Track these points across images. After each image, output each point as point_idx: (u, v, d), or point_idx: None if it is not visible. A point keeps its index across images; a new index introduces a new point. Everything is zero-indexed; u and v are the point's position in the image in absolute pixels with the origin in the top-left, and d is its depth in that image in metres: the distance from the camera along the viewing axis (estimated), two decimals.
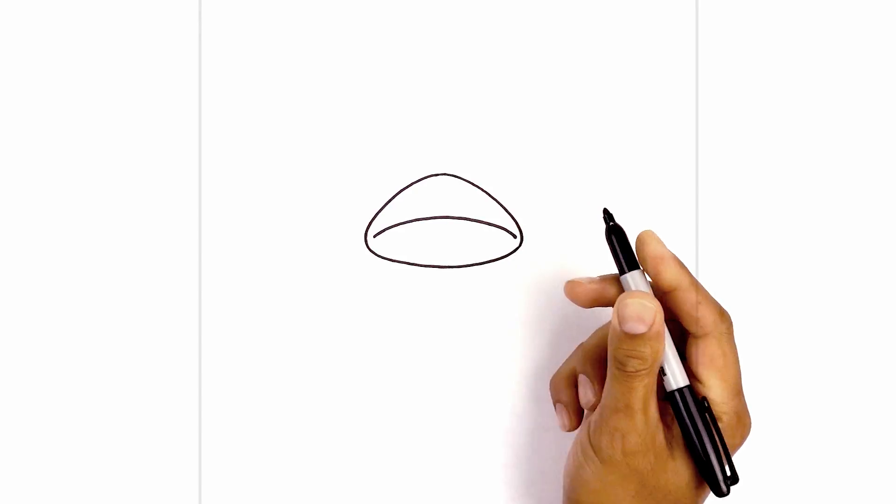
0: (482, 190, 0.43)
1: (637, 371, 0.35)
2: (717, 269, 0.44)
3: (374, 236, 0.43)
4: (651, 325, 0.34)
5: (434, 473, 0.43)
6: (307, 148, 0.43)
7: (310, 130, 0.43)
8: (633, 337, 0.35)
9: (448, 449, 0.43)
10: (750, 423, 0.37)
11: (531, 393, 0.43)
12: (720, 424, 0.35)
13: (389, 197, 0.42)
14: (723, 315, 0.36)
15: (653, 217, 0.43)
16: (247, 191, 0.43)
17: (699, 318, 0.36)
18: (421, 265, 0.43)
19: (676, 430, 0.36)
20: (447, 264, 0.43)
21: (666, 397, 0.36)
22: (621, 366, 0.35)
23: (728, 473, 0.35)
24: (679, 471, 0.35)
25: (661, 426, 0.35)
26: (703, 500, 0.37)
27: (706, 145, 0.44)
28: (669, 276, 0.36)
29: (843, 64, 0.44)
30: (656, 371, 0.35)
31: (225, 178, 0.42)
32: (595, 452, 0.36)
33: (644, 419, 0.35)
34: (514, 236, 0.43)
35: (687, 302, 0.36)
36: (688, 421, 0.35)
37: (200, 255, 0.42)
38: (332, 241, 0.43)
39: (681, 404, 0.35)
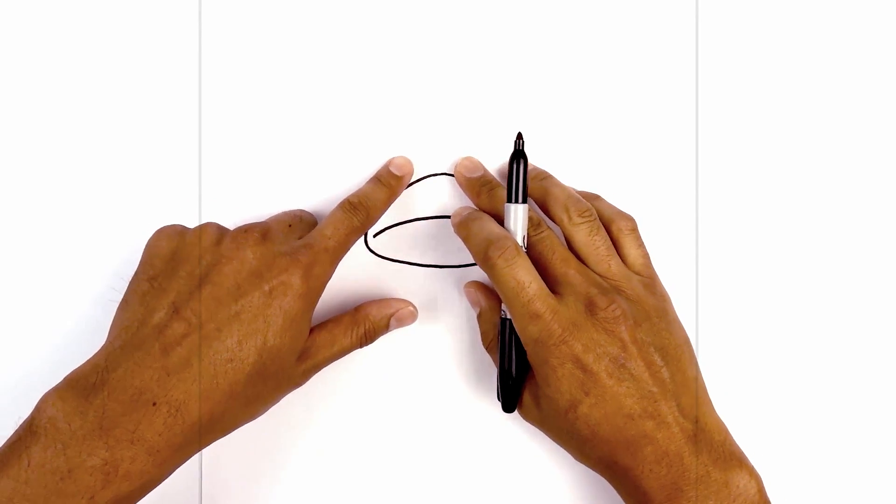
0: None
1: (488, 345, 0.40)
2: (718, 269, 0.44)
3: (374, 236, 0.43)
4: (480, 305, 0.41)
5: (432, 473, 0.43)
6: (307, 148, 0.43)
7: (310, 130, 0.43)
8: (477, 317, 0.41)
9: (447, 448, 0.43)
10: (567, 339, 0.35)
11: None
12: (528, 355, 0.36)
13: None
14: (486, 253, 0.36)
15: (653, 217, 0.43)
16: (247, 191, 0.43)
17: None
18: (421, 265, 0.43)
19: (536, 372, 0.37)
20: (447, 264, 0.43)
21: None
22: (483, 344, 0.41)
23: (501, 398, 0.39)
24: (545, 412, 0.37)
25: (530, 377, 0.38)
26: (585, 420, 0.35)
27: (706, 145, 0.44)
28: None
29: (843, 64, 0.44)
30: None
31: (225, 178, 0.42)
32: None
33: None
34: None
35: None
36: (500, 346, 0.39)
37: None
38: None
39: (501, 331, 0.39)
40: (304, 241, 0.37)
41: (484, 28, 0.43)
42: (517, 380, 0.38)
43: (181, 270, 0.35)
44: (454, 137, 0.43)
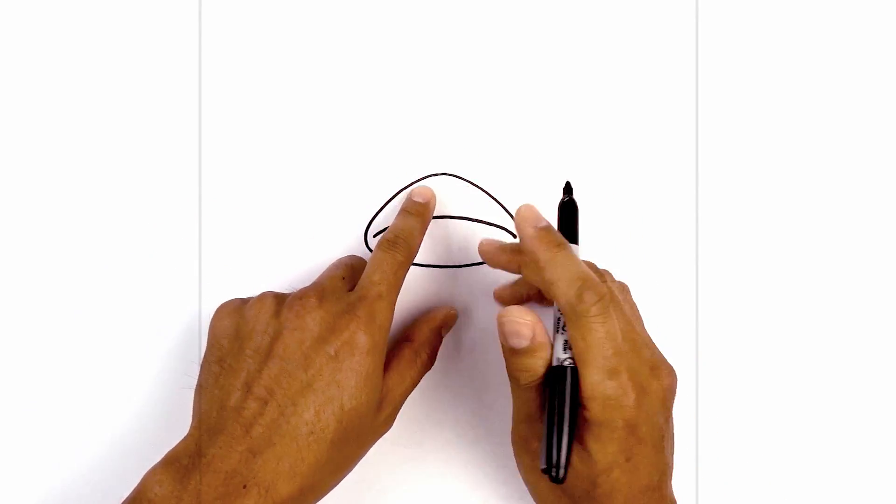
0: (482, 190, 0.43)
1: (529, 383, 0.35)
2: (718, 269, 0.44)
3: (374, 236, 0.43)
4: (532, 338, 0.34)
5: (433, 473, 0.43)
6: (307, 148, 0.43)
7: (310, 130, 0.43)
8: (518, 351, 0.35)
9: (447, 449, 0.43)
10: (637, 402, 0.33)
11: None
12: (587, 411, 0.33)
13: (389, 197, 0.43)
14: (581, 296, 0.33)
15: (653, 217, 0.43)
16: (247, 191, 0.43)
17: (555, 299, 0.34)
18: (421, 265, 0.43)
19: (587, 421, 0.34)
20: (447, 264, 0.43)
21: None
22: (515, 381, 0.36)
23: (556, 461, 0.33)
24: (576, 469, 0.34)
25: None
26: (612, 484, 0.33)
27: (706, 145, 0.44)
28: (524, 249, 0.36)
29: (843, 64, 0.44)
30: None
31: (225, 178, 0.43)
32: (518, 466, 0.37)
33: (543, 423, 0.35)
34: (514, 236, 0.43)
35: (541, 283, 0.35)
36: (550, 401, 0.34)
37: (201, 255, 0.42)
38: (333, 241, 0.43)
39: (550, 384, 0.34)
40: (357, 293, 0.36)
41: (485, 28, 0.43)
42: (570, 440, 0.34)
43: (246, 348, 0.35)
44: (454, 137, 0.43)
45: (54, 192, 0.42)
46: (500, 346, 0.43)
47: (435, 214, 0.43)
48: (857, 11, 0.44)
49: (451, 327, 0.42)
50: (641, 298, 0.39)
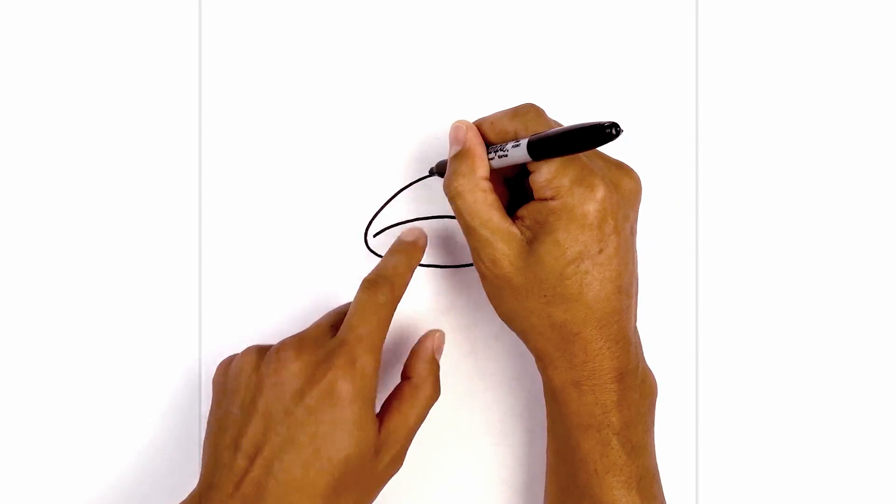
0: None
1: (460, 193, 0.36)
2: (718, 267, 0.44)
3: (374, 236, 0.43)
4: (463, 141, 0.36)
5: (434, 474, 0.43)
6: (307, 148, 0.43)
7: (310, 130, 0.43)
8: (455, 157, 0.36)
9: (448, 449, 0.43)
10: (608, 194, 0.34)
11: (529, 393, 0.43)
12: (557, 200, 0.34)
13: (389, 197, 0.43)
14: (515, 111, 0.36)
15: (652, 216, 0.43)
16: (247, 191, 0.43)
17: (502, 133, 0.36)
18: (421, 265, 0.43)
19: (533, 222, 0.34)
20: (447, 264, 0.43)
21: (534, 154, 0.34)
22: (447, 189, 0.37)
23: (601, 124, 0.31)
24: (543, 260, 0.34)
25: (512, 230, 0.35)
26: (581, 278, 0.34)
27: (706, 145, 0.44)
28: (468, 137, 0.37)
29: (843, 64, 0.44)
30: (483, 186, 0.36)
31: (225, 177, 0.43)
32: (480, 278, 0.37)
33: (489, 231, 0.35)
34: None
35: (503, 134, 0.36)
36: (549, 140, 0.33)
37: (200, 256, 0.42)
38: (333, 241, 0.43)
39: (535, 144, 0.34)
40: (338, 338, 0.35)
41: (485, 27, 0.43)
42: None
43: (233, 405, 0.35)
44: None
45: (53, 195, 0.42)
46: (503, 349, 0.43)
47: (434, 214, 0.43)
48: (857, 11, 0.44)
49: (442, 349, 0.41)
50: (642, 298, 0.39)
